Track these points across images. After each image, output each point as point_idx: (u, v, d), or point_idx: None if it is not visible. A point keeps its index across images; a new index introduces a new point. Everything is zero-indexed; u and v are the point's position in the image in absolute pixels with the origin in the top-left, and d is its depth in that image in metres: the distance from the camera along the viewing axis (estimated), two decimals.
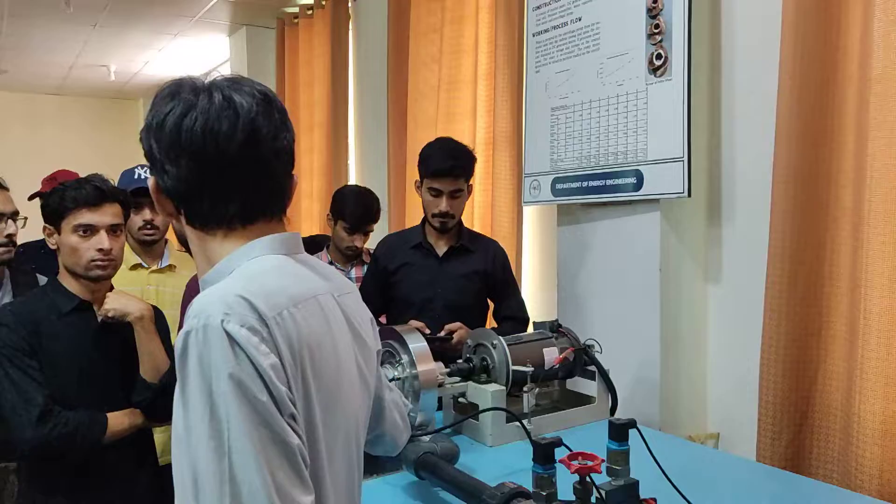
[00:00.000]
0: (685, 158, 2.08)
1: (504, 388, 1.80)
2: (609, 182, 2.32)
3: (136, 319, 1.72)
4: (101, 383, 1.72)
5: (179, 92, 0.89)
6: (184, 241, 1.07)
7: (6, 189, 2.10)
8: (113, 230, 1.70)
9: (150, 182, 0.92)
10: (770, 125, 1.92)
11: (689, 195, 2.08)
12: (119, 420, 1.71)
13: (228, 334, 0.76)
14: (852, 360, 1.70)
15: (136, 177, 2.31)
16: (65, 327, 1.69)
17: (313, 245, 2.88)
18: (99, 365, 1.72)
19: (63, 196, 1.68)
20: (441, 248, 2.40)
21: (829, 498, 1.51)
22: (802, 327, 1.85)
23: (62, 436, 1.60)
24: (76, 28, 5.11)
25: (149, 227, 2.31)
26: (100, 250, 1.67)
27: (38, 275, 2.15)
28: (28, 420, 1.57)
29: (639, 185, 2.22)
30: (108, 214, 1.70)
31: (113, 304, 1.71)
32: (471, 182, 2.38)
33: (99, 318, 1.72)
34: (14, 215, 2.05)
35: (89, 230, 1.67)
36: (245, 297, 0.80)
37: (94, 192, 1.68)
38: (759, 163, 2.01)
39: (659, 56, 2.15)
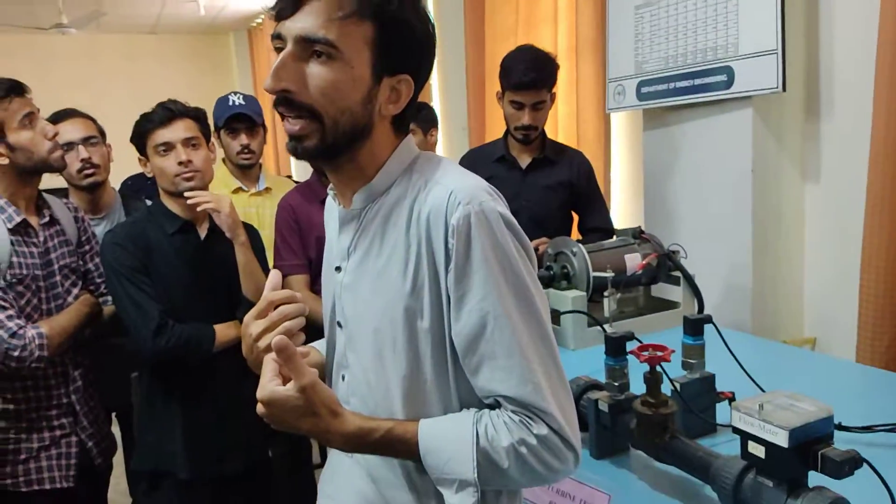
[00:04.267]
0: (780, 51, 1.95)
1: (585, 293, 1.82)
2: (698, 81, 2.21)
3: (234, 234, 1.82)
4: (208, 298, 1.85)
5: None
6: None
7: (81, 116, 2.25)
8: (189, 143, 1.79)
9: None
10: (873, 15, 1.76)
11: (784, 90, 1.96)
12: (225, 332, 1.84)
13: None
14: None
15: (230, 104, 2.41)
16: (171, 247, 1.82)
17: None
18: (205, 281, 1.85)
19: (140, 124, 1.80)
20: (524, 161, 2.39)
21: None
22: None
23: (177, 346, 1.75)
24: None
25: (246, 150, 2.42)
26: (180, 163, 1.76)
27: (147, 201, 2.31)
28: (147, 333, 1.73)
29: (730, 82, 2.11)
30: (180, 129, 1.78)
31: (207, 197, 1.78)
32: (553, 91, 2.33)
33: (189, 206, 1.78)
34: (87, 140, 2.20)
35: (166, 147, 1.77)
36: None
37: (162, 111, 1.78)
38: (860, 56, 1.87)
39: None
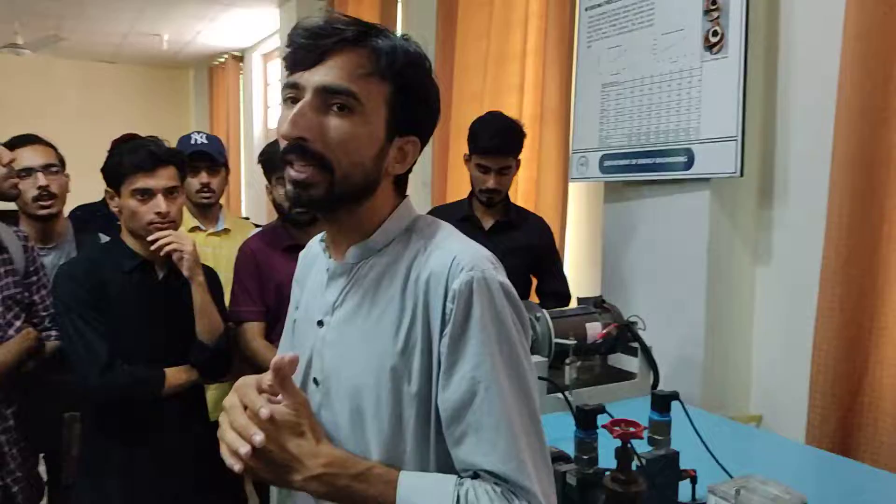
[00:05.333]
0: (739, 137, 2.05)
1: (546, 359, 1.83)
2: (659, 160, 2.30)
3: (193, 274, 1.76)
4: (161, 339, 1.79)
5: None
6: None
7: (42, 143, 2.18)
8: (170, 193, 1.75)
9: None
10: (829, 106, 1.88)
11: (742, 175, 2.06)
12: (177, 376, 1.78)
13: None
14: None
15: (192, 141, 2.38)
16: (127, 285, 1.76)
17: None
18: (158, 322, 1.79)
19: (120, 161, 1.73)
20: (487, 222, 2.42)
21: (875, 480, 1.51)
22: (858, 312, 1.82)
23: (123, 387, 1.68)
24: None
25: (206, 189, 2.38)
26: (157, 213, 1.72)
27: (99, 234, 2.24)
28: (93, 371, 1.65)
29: (689, 163, 2.20)
30: (163, 178, 1.73)
31: (171, 238, 1.72)
32: (519, 157, 2.39)
33: (152, 249, 1.72)
34: (46, 168, 2.13)
35: (146, 194, 1.72)
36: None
37: (148, 156, 1.71)
38: (815, 144, 1.98)
39: (715, 33, 2.11)
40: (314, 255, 1.05)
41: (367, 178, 0.90)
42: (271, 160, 2.16)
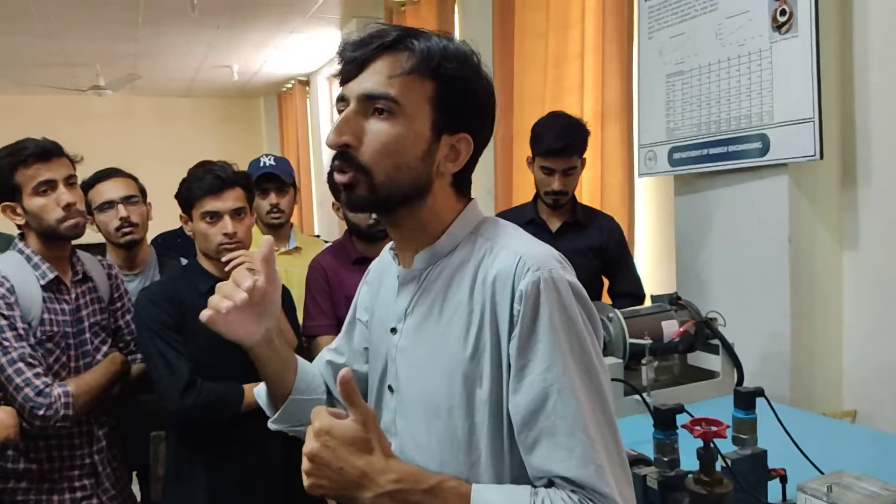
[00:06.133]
0: (816, 119, 1.95)
1: (621, 360, 1.78)
2: (732, 148, 2.21)
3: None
4: (239, 358, 1.82)
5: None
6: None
7: (122, 175, 2.27)
8: (237, 214, 1.80)
9: None
10: None
11: (822, 157, 1.95)
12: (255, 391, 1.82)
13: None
14: None
15: (261, 164, 2.45)
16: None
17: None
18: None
19: (189, 187, 1.80)
20: (554, 224, 2.38)
21: None
22: None
23: (205, 405, 1.73)
24: (201, 31, 5.44)
25: (275, 210, 2.44)
26: (225, 234, 1.77)
27: (181, 258, 2.32)
28: (175, 390, 1.71)
29: (765, 149, 2.10)
30: (229, 199, 1.78)
31: (243, 258, 1.72)
32: (583, 157, 2.34)
33: (226, 269, 1.73)
34: (127, 199, 2.21)
35: (214, 216, 1.77)
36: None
37: (214, 180, 1.78)
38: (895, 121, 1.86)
39: (784, 12, 2.02)
40: (387, 264, 1.05)
41: (415, 179, 0.89)
42: None
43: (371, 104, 0.87)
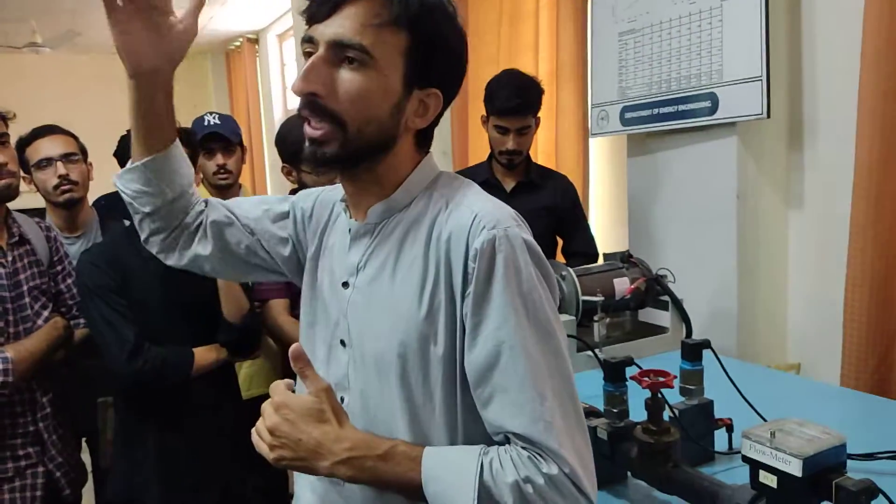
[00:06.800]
0: (764, 78, 1.97)
1: (574, 317, 1.79)
2: (682, 107, 2.22)
3: None
4: (187, 321, 1.79)
5: None
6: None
7: (60, 133, 2.18)
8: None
9: None
10: (855, 42, 1.78)
11: (769, 116, 1.98)
12: (204, 355, 1.79)
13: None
14: None
15: (205, 123, 2.36)
16: (149, 268, 1.75)
17: None
18: (184, 304, 1.79)
19: (127, 144, 1.72)
20: (509, 184, 2.38)
21: None
22: (890, 252, 1.75)
23: (152, 370, 1.69)
24: None
25: (222, 171, 2.36)
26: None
27: (125, 220, 2.24)
28: (121, 355, 1.67)
29: (714, 108, 2.12)
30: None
31: None
32: (538, 116, 2.33)
33: None
34: (66, 156, 2.13)
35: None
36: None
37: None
38: (842, 82, 1.89)
39: None
40: (337, 216, 1.02)
41: (383, 133, 0.87)
42: (283, 141, 2.13)
43: (342, 52, 0.83)
